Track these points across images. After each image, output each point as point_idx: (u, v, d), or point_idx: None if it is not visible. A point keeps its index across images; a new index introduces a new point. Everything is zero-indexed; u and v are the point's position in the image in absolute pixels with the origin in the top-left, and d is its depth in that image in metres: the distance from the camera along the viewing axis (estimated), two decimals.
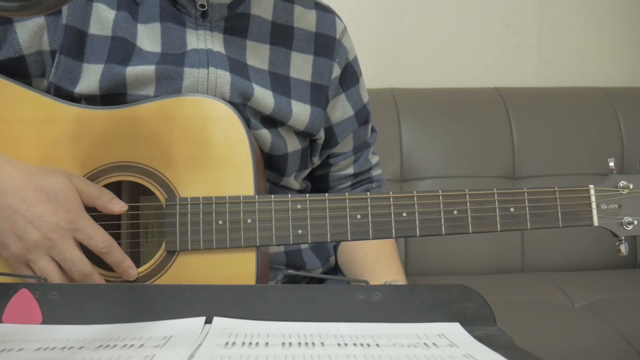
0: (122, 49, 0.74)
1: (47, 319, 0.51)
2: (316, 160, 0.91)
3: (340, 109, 0.89)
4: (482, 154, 1.56)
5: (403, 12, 1.73)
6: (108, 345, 0.45)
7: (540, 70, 1.79)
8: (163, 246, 0.69)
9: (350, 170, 0.95)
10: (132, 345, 0.45)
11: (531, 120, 1.59)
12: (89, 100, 0.73)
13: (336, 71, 0.86)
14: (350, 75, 0.90)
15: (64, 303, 0.52)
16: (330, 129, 0.89)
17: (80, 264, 0.65)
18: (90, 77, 0.72)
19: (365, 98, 0.93)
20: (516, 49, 1.78)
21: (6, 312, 0.51)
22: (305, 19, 0.85)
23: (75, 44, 0.73)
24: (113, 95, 0.73)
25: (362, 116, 0.92)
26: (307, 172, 0.91)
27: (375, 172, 0.98)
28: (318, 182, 0.97)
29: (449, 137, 1.56)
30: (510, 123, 1.58)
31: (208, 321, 0.50)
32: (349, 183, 0.96)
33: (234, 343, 0.45)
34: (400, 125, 1.54)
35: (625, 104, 1.63)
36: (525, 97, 1.64)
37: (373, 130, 0.97)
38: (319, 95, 0.84)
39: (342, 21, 0.90)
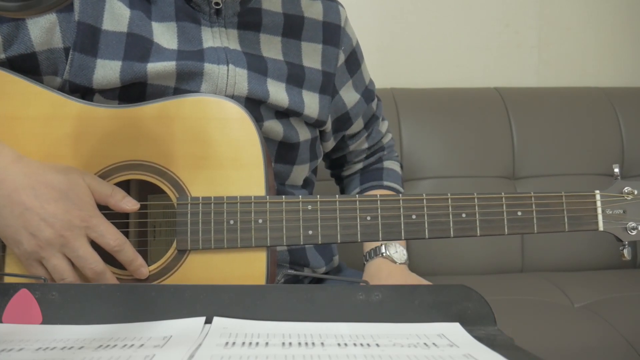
0: (139, 46, 0.74)
1: (47, 319, 0.51)
2: (330, 144, 0.95)
3: (351, 94, 0.93)
4: (482, 154, 1.55)
5: (403, 12, 1.73)
6: (108, 345, 0.45)
7: (540, 70, 1.79)
8: (174, 245, 0.69)
9: (365, 145, 0.99)
10: (132, 345, 0.45)
11: (531, 120, 1.59)
12: (108, 92, 0.74)
13: (341, 59, 0.89)
14: (355, 61, 0.93)
15: (64, 303, 0.52)
16: (346, 114, 0.93)
17: (93, 262, 0.65)
18: (107, 74, 0.73)
19: (368, 78, 0.97)
20: (516, 49, 1.78)
21: (6, 312, 0.51)
22: (312, 9, 0.87)
23: (89, 40, 0.73)
24: (132, 86, 0.74)
25: (368, 95, 0.96)
26: (316, 163, 0.93)
27: (386, 139, 1.03)
28: (335, 161, 1.02)
29: (449, 137, 1.56)
30: (510, 123, 1.58)
31: (208, 321, 0.50)
32: (364, 156, 1.01)
33: (234, 343, 0.45)
34: (400, 125, 1.54)
35: (625, 104, 1.63)
36: (525, 97, 1.64)
37: (378, 99, 1.01)
38: (327, 83, 0.87)
39: (344, 9, 0.93)
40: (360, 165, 1.01)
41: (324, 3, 0.89)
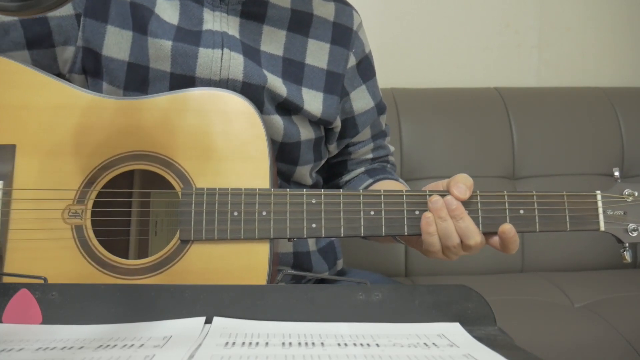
0: (140, 15, 0.75)
1: (47, 319, 0.51)
2: (333, 148, 0.92)
3: (363, 100, 0.91)
4: (482, 154, 1.55)
5: (403, 12, 1.73)
6: (108, 345, 0.45)
7: (540, 70, 1.79)
8: (177, 235, 0.69)
9: (370, 156, 0.96)
10: (132, 345, 0.45)
11: (531, 120, 1.59)
12: (115, 67, 0.75)
13: (352, 61, 0.88)
14: (368, 67, 0.92)
15: (64, 303, 0.52)
16: (352, 119, 0.91)
17: None
18: (119, 42, 0.74)
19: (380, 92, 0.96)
20: (516, 49, 1.78)
21: (6, 312, 0.51)
22: (324, 9, 0.87)
23: (99, 5, 0.75)
24: (138, 67, 0.75)
25: (381, 108, 0.95)
26: (320, 164, 0.92)
27: (392, 158, 1.00)
28: (335, 167, 0.98)
29: (449, 137, 1.56)
30: (510, 123, 1.58)
31: (208, 321, 0.50)
32: (367, 164, 0.97)
33: (234, 343, 0.45)
34: (400, 125, 1.54)
35: (625, 104, 1.63)
36: (525, 97, 1.64)
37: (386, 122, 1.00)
38: (334, 83, 0.86)
39: (359, 15, 0.92)
40: (362, 169, 0.96)
41: (338, 5, 0.88)
